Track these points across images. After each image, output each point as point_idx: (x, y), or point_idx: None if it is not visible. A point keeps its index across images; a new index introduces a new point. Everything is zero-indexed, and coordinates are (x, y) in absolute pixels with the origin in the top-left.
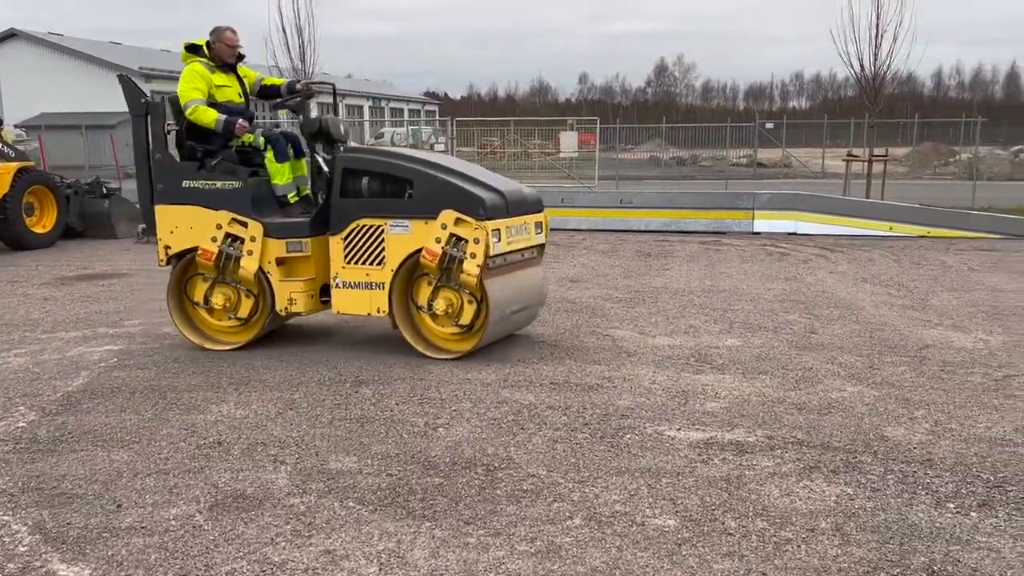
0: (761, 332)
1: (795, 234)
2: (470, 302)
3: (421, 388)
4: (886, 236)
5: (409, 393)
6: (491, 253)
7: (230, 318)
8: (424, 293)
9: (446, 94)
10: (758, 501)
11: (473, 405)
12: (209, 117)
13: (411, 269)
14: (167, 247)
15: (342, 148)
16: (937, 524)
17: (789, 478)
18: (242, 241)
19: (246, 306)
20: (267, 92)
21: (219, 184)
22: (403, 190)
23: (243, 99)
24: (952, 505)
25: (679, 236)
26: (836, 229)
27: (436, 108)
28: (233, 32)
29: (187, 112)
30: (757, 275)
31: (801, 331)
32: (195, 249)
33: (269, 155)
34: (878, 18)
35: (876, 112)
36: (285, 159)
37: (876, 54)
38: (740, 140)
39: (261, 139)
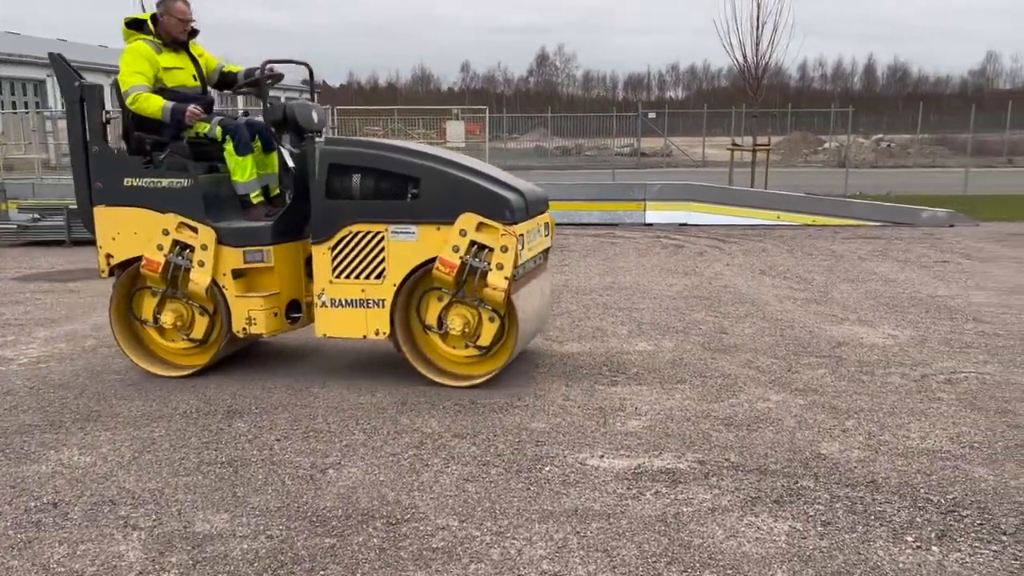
0: (671, 334)
1: (686, 225)
2: (491, 320)
3: (306, 418)
4: (775, 225)
5: (292, 425)
6: (519, 262)
7: (184, 339)
8: (434, 311)
9: (324, 82)
10: (702, 547)
11: (367, 437)
12: (154, 106)
13: (416, 283)
14: (108, 255)
15: (320, 139)
16: (900, 564)
17: (731, 514)
18: (192, 249)
19: (201, 325)
20: (226, 80)
21: (166, 182)
22: (405, 190)
23: (199, 82)
24: (910, 538)
25: (573, 229)
26: (726, 219)
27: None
28: (185, 3)
29: (127, 101)
30: (656, 269)
31: (711, 331)
32: (140, 258)
33: (229, 148)
34: (759, 9)
35: (759, 101)
36: (247, 152)
37: (757, 44)
38: (623, 129)
39: (218, 129)
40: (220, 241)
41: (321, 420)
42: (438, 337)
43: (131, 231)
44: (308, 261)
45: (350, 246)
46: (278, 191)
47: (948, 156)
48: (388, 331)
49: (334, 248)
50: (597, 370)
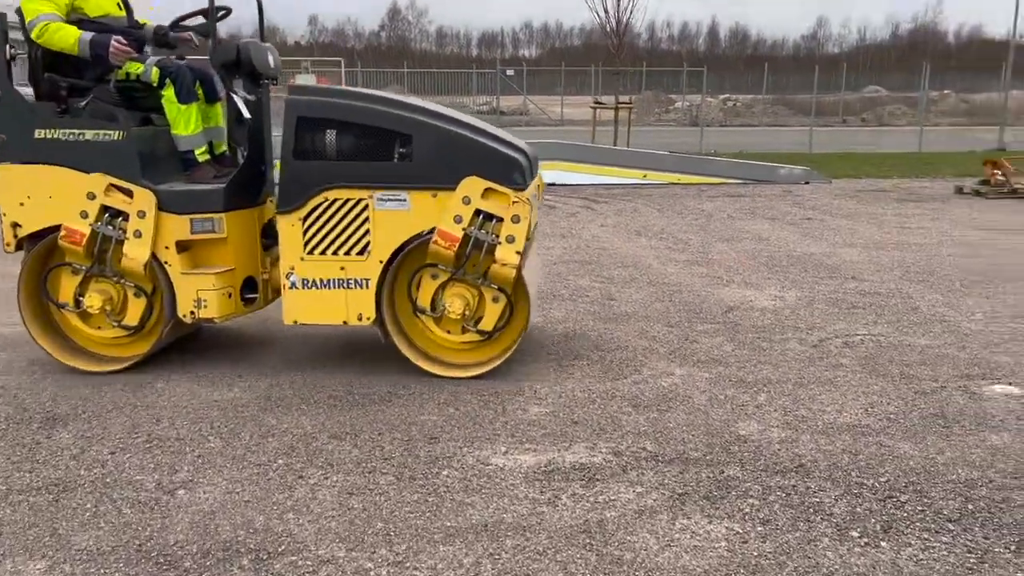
0: (558, 302)
1: (555, 184)
2: (495, 300)
3: (147, 422)
4: (642, 184)
5: (130, 432)
6: (530, 235)
7: (115, 326)
8: (427, 291)
9: None
10: (637, 562)
11: (225, 444)
12: (68, 38)
13: (407, 259)
14: (15, 225)
15: (273, 86)
16: (854, 567)
17: (660, 516)
18: (126, 217)
19: (136, 309)
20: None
21: (90, 135)
22: (393, 149)
23: (124, 11)
24: (856, 534)
25: None
26: (595, 179)
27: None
28: None
29: (33, 34)
30: None
31: (599, 298)
32: (57, 228)
33: (168, 94)
34: None
35: (620, 59)
36: (191, 99)
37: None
38: (481, 87)
39: (155, 71)
40: (161, 207)
41: (167, 424)
42: (431, 321)
43: (45, 195)
44: (265, 232)
45: (326, 216)
46: (224, 148)
47: (789, 115)
48: (373, 315)
49: (306, 219)
50: None
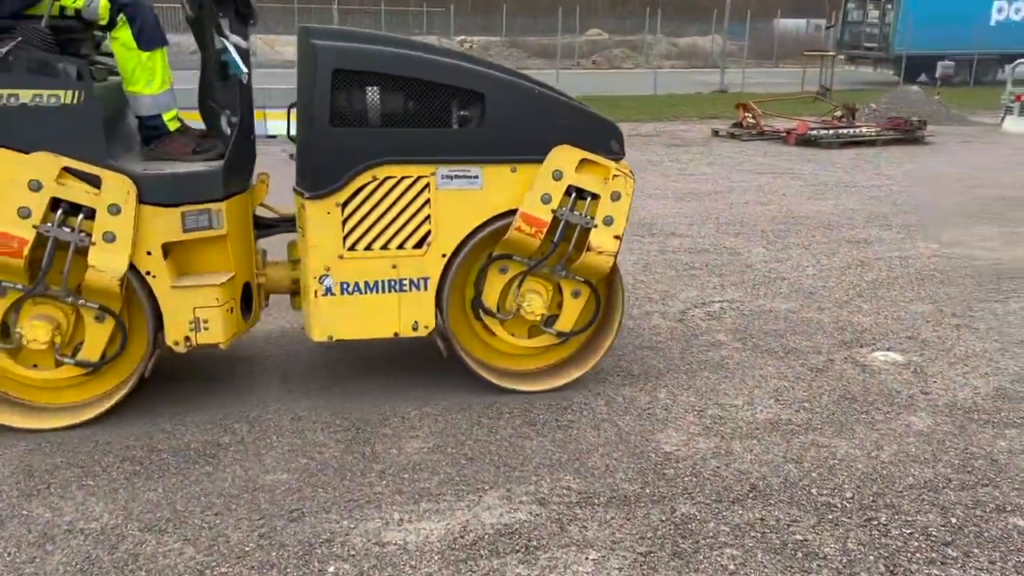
0: None
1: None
2: (575, 295)
3: None
4: None
5: None
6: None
7: (67, 362)
8: (494, 288)
9: None
10: None
11: None
12: None
13: (475, 251)
14: None
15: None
16: None
17: None
18: (89, 214)
19: (99, 337)
20: None
21: (27, 97)
22: (459, 112)
23: None
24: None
25: None
26: None
27: None
28: None
29: None
30: None
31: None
32: None
33: (122, 36)
34: None
35: None
36: (156, 44)
37: None
38: None
39: (103, 4)
40: (143, 198)
41: None
42: (497, 325)
43: None
44: (255, 223)
45: (374, 200)
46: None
47: (525, 58)
48: (432, 323)
49: (346, 204)
50: (310, 354)
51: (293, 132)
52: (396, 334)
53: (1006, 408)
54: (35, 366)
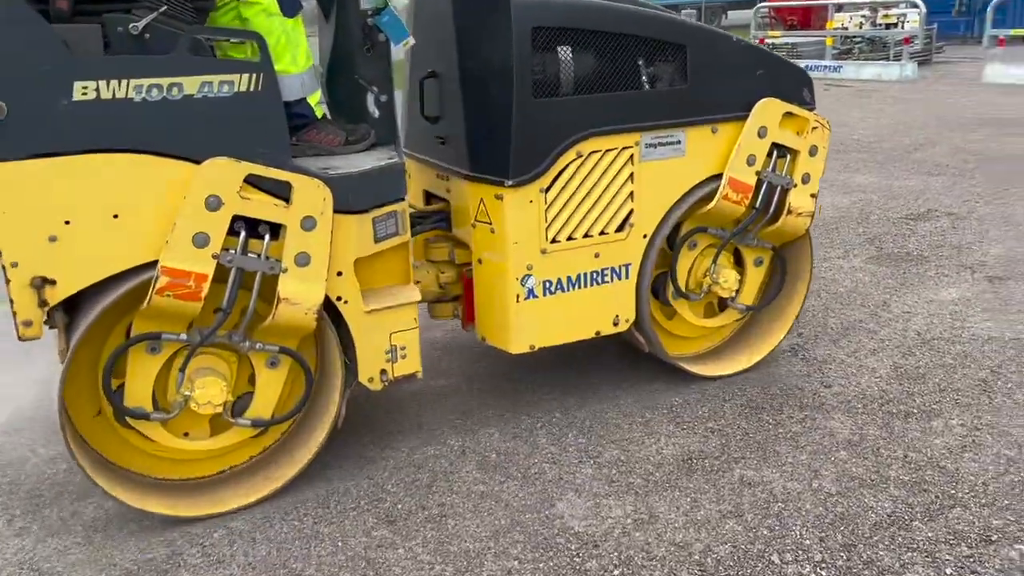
0: None
1: None
2: (757, 264)
3: None
4: None
5: None
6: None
7: (239, 423)
8: (684, 266)
9: None
10: None
11: None
12: None
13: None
14: (42, 282)
15: None
16: None
17: None
18: (275, 232)
19: (272, 386)
20: None
21: (193, 86)
22: (663, 70)
23: None
24: None
25: None
26: None
27: None
28: None
29: None
30: None
31: None
32: (134, 275)
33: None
34: None
35: None
36: (298, 8)
37: None
38: None
39: None
40: (339, 205)
41: None
42: (684, 304)
43: (103, 213)
44: None
45: (577, 181)
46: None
47: None
48: (633, 315)
49: (549, 189)
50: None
51: (427, 110)
52: (598, 333)
53: (915, 392)
54: (186, 435)
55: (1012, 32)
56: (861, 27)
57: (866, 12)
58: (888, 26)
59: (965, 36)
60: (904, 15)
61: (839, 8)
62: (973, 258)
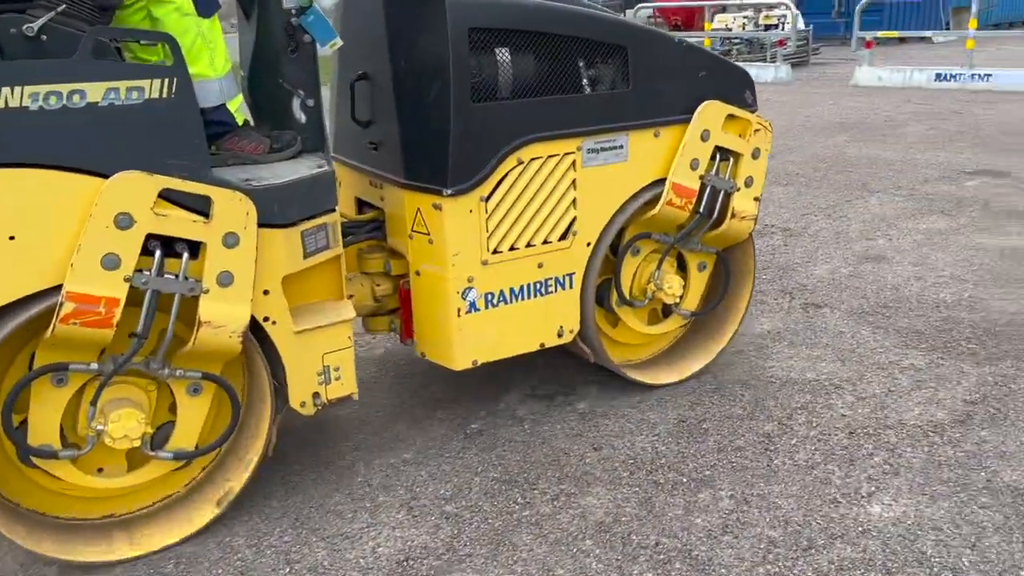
0: None
1: None
2: (701, 269)
3: None
4: None
5: None
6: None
7: (160, 456)
8: (628, 273)
9: None
10: None
11: None
12: None
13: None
14: None
15: None
16: None
17: None
18: (194, 252)
19: (194, 415)
20: None
21: (97, 93)
22: (605, 72)
23: None
24: None
25: None
26: None
27: None
28: None
29: None
30: None
31: None
32: (32, 303)
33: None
34: None
35: None
36: (214, 8)
37: None
38: None
39: None
40: (264, 218)
41: None
42: (628, 311)
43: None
44: None
45: (519, 188)
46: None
47: None
48: (578, 325)
49: (489, 197)
50: None
51: (359, 113)
52: (542, 345)
53: (691, 454)
54: (100, 471)
55: (880, 34)
56: (744, 28)
57: (749, 13)
58: (768, 27)
59: (844, 37)
60: (784, 16)
61: (723, 9)
62: (796, 280)
